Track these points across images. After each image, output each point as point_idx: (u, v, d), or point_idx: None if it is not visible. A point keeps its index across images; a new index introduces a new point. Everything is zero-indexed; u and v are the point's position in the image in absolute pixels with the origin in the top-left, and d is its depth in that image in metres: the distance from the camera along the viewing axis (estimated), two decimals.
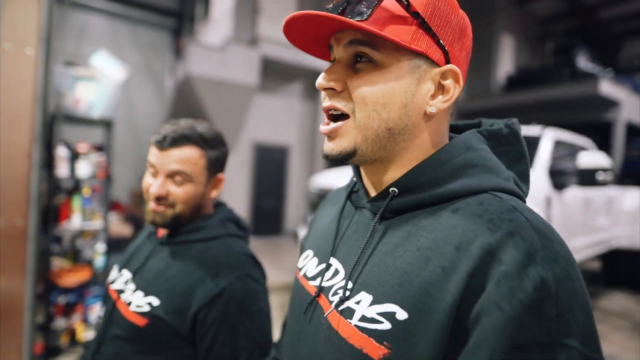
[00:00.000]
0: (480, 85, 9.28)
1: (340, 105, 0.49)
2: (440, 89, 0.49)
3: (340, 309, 0.48)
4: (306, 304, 0.55)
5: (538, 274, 0.37)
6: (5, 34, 2.15)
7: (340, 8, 0.47)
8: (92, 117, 2.68)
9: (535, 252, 0.39)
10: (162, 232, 0.97)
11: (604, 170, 3.15)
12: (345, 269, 0.52)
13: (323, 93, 0.51)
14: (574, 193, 3.32)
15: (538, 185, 2.93)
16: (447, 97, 0.49)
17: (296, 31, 0.50)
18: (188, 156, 0.86)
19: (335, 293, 0.51)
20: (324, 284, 0.54)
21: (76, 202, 2.74)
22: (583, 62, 7.38)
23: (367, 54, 0.47)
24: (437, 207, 0.48)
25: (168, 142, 0.85)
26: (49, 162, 2.49)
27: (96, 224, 2.82)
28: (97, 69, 2.71)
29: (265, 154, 7.52)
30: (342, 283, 0.51)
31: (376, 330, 0.43)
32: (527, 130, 3.54)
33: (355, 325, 0.45)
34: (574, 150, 3.64)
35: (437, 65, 0.48)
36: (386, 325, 0.43)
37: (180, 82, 6.73)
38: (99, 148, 2.86)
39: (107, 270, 2.89)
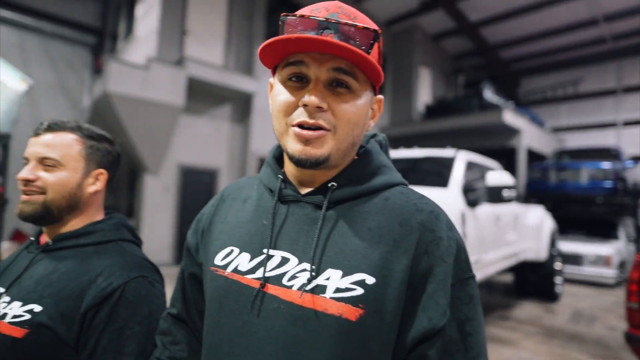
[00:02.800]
0: (403, 113, 10.28)
1: (325, 122, 0.56)
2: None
3: (308, 288, 0.54)
4: (251, 296, 0.57)
5: (454, 236, 0.59)
6: None
7: (320, 32, 0.54)
8: None
9: (448, 222, 0.60)
10: (44, 239, 0.86)
11: (509, 187, 3.36)
12: (297, 254, 0.57)
13: (300, 109, 0.56)
14: (485, 209, 3.56)
15: (453, 203, 3.10)
16: (376, 118, 0.65)
17: (273, 48, 0.55)
18: (61, 140, 0.82)
19: (293, 277, 0.56)
20: (269, 274, 0.57)
21: None
22: (489, 94, 8.69)
23: (347, 82, 0.56)
24: (368, 197, 0.61)
25: (44, 128, 0.82)
26: None
27: None
28: None
29: (192, 178, 6.99)
30: (301, 267, 0.56)
31: (351, 296, 0.53)
32: (443, 153, 3.83)
33: (331, 297, 0.53)
34: (483, 170, 3.91)
35: (374, 94, 0.63)
36: (359, 291, 0.53)
37: (97, 100, 6.16)
38: None
39: None
